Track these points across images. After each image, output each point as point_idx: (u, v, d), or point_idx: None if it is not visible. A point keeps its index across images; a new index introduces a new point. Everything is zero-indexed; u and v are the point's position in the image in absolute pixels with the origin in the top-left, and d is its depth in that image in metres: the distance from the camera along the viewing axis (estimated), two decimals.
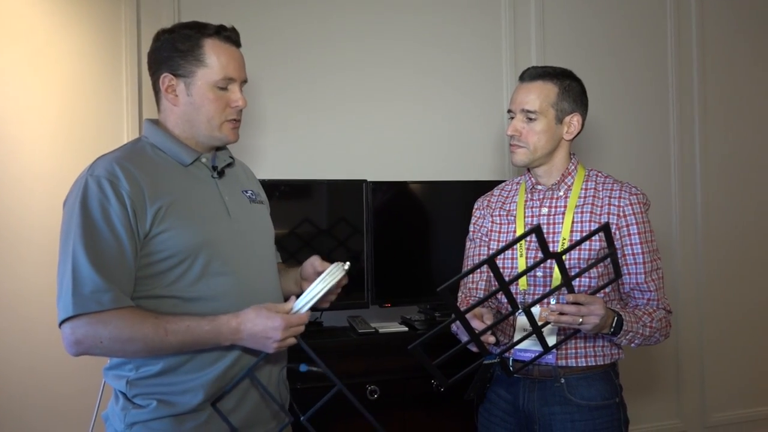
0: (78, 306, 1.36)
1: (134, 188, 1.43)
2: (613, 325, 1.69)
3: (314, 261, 1.65)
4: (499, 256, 1.82)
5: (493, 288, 1.95)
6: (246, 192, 1.68)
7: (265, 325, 1.41)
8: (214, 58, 1.53)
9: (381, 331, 2.56)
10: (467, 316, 1.53)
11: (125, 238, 1.41)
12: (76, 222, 1.41)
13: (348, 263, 1.52)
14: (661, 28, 3.43)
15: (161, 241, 1.45)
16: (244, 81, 1.60)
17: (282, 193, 2.59)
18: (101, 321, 1.37)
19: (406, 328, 2.62)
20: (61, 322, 1.39)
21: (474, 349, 1.60)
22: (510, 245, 1.40)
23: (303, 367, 1.51)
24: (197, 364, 1.48)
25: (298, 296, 1.47)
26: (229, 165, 1.66)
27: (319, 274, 1.52)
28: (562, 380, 1.79)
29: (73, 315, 1.36)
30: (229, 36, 1.56)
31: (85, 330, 1.37)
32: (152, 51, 1.57)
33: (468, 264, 2.01)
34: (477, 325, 1.62)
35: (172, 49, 1.53)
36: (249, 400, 1.54)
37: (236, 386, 1.47)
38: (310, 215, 2.67)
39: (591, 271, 1.75)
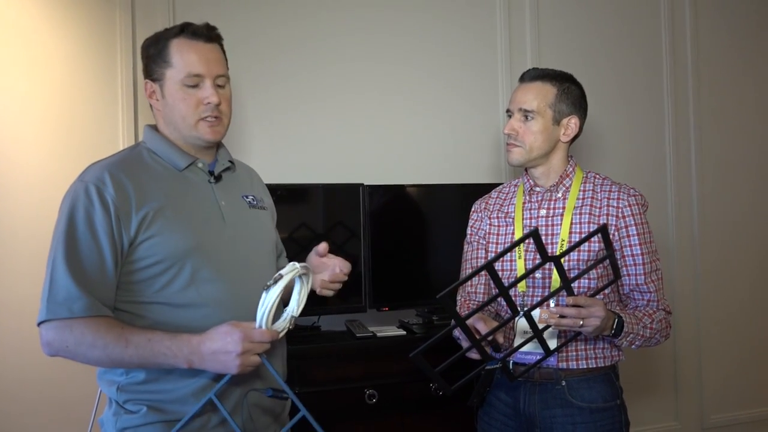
0: (50, 311, 1.38)
1: (120, 195, 1.43)
2: (614, 326, 1.68)
3: (317, 249, 1.64)
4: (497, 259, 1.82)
5: (492, 291, 1.95)
6: (246, 197, 1.66)
7: (224, 340, 1.35)
8: (177, 56, 1.52)
9: (379, 335, 2.54)
10: (472, 319, 1.52)
11: (107, 246, 1.41)
12: (61, 228, 1.42)
13: (287, 270, 1.36)
14: (655, 28, 3.43)
15: (148, 247, 1.44)
16: (220, 75, 1.55)
17: (279, 198, 2.56)
18: (68, 326, 1.38)
19: (404, 332, 2.61)
20: (38, 324, 1.42)
21: (475, 356, 1.59)
22: (507, 250, 1.39)
23: (269, 392, 1.46)
24: (182, 371, 1.44)
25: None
26: (228, 169, 1.65)
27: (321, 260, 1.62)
28: (563, 383, 1.78)
29: (46, 319, 1.39)
30: (195, 31, 1.54)
31: (54, 333, 1.39)
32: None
33: (466, 267, 2.00)
34: (483, 328, 1.61)
35: (146, 57, 1.58)
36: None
37: (196, 412, 1.41)
38: (307, 219, 2.65)
39: (590, 272, 1.75)
